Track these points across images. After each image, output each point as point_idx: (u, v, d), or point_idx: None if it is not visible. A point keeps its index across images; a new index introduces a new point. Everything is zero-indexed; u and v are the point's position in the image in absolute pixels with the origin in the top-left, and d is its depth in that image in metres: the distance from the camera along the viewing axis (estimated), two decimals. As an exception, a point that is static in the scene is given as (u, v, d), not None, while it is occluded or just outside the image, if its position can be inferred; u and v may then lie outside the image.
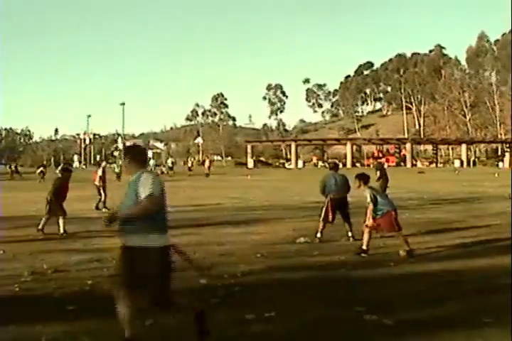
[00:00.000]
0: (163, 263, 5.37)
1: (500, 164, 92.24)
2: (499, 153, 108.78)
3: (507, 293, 7.48)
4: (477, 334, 5.90)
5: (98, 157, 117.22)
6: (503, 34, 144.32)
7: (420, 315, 6.67)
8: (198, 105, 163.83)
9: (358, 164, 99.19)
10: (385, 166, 29.80)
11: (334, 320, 6.54)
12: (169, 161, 64.39)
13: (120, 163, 58.07)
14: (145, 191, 5.32)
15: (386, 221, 10.79)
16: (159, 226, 5.40)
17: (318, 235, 12.66)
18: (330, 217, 12.92)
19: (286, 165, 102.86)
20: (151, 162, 64.75)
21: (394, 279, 8.73)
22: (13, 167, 55.23)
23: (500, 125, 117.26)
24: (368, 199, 10.79)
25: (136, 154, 5.78)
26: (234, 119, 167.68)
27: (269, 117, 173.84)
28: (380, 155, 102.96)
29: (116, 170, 49.66)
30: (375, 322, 6.38)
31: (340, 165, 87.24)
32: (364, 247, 10.82)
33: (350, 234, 12.78)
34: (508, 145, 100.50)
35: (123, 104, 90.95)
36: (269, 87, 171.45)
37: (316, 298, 7.55)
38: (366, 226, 10.89)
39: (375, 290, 7.91)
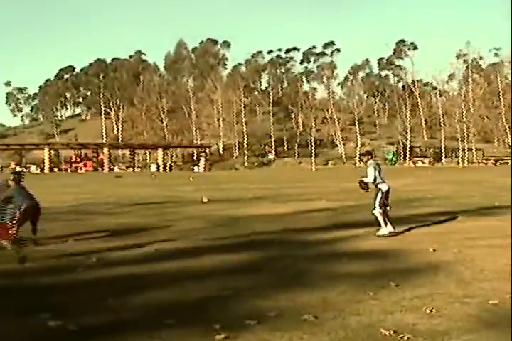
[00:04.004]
0: None
1: (196, 168, 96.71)
2: (195, 158, 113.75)
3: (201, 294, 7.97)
4: (157, 335, 6.16)
5: None
6: (201, 42, 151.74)
7: (105, 319, 6.84)
8: None
9: (56, 169, 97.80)
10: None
11: (18, 328, 6.48)
12: None
13: None
14: None
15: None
16: None
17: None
18: None
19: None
20: None
21: (81, 285, 8.78)
22: None
23: (196, 130, 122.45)
24: None
25: None
26: None
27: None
28: (78, 159, 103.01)
29: None
30: (59, 328, 6.40)
31: (39, 170, 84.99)
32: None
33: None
34: (202, 150, 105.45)
35: None
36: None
37: (1, 308, 7.42)
38: None
39: (61, 297, 7.94)
